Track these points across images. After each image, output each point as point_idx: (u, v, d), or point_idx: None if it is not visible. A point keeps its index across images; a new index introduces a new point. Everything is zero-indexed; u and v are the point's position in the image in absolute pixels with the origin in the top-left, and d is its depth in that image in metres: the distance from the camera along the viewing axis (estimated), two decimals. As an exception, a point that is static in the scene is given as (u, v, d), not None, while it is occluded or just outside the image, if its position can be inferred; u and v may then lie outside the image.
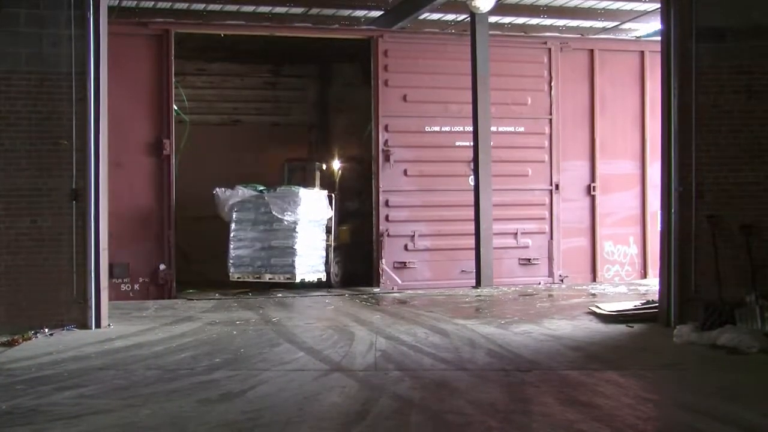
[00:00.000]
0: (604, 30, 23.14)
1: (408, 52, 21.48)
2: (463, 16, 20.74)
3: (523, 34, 22.63)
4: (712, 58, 14.90)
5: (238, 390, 10.65)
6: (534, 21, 22.32)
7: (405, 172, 21.11)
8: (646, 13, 21.01)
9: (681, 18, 15.15)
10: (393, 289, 20.78)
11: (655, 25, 20.44)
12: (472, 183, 20.81)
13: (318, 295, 19.70)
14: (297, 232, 19.69)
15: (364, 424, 9.15)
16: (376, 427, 9.09)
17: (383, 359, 12.43)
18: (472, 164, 20.69)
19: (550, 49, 22.29)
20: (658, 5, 16.41)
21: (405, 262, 21.18)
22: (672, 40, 15.30)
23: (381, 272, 20.87)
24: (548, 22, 22.36)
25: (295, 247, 19.66)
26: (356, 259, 21.78)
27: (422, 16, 21.23)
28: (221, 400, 10.18)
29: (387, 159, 20.90)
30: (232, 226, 19.77)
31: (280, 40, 21.71)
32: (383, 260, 20.86)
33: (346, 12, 21.17)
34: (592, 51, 22.59)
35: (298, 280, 19.86)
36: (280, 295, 19.69)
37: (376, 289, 20.67)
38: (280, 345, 13.73)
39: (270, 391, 10.64)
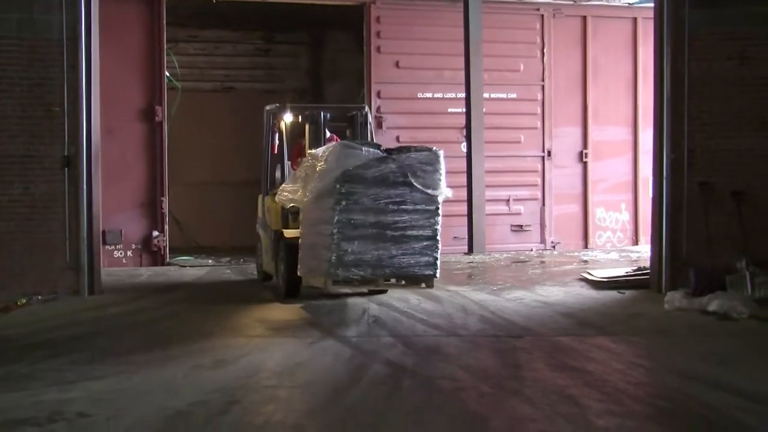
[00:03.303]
0: (597, -4, 23.15)
1: (401, 18, 21.46)
2: (456, -17, 20.78)
3: (515, 0, 22.62)
4: (705, 25, 14.90)
5: (232, 357, 10.67)
6: (527, -13, 22.34)
7: (397, 139, 21.01)
8: (639, -21, 21.03)
9: (674, -16, 15.18)
10: (386, 255, 20.64)
11: (648, -9, 20.51)
12: (465, 149, 20.81)
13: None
14: (440, 215, 13.01)
15: (358, 389, 9.17)
16: (370, 391, 9.12)
17: (376, 325, 12.47)
18: (464, 131, 20.69)
19: (542, 16, 22.32)
20: (651, -29, 16.41)
21: (398, 229, 21.12)
22: (665, 7, 15.29)
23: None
24: (541, -12, 22.37)
25: (438, 237, 13.01)
26: None
27: (415, -17, 21.25)
28: (215, 366, 10.19)
29: (379, 125, 20.87)
30: (340, 204, 12.38)
31: (272, 7, 21.64)
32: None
33: (340, -22, 21.18)
34: (584, 18, 22.60)
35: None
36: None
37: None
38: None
39: (263, 357, 10.68)
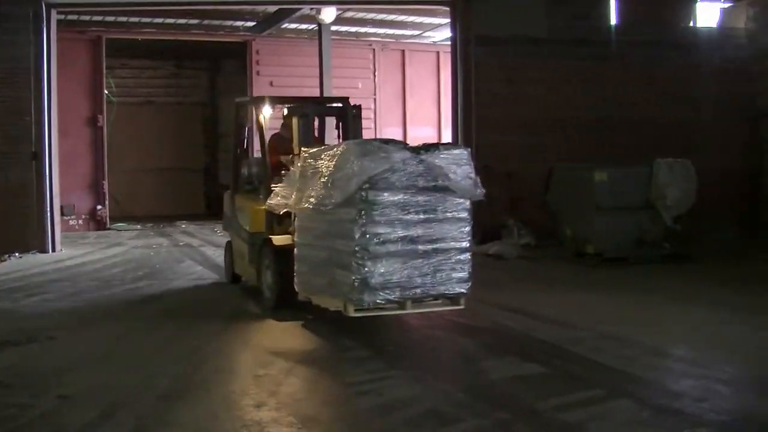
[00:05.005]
0: (412, 36, 23.33)
1: (273, 50, 21.42)
2: (313, 26, 20.69)
3: (355, 38, 22.69)
4: (485, 57, 15.36)
5: (157, 294, 10.78)
6: (363, 29, 22.38)
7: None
8: (440, 25, 21.23)
9: (463, 29, 15.61)
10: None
11: (447, 33, 20.70)
12: (322, 144, 20.83)
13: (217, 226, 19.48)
14: (470, 223, 8.11)
15: (253, 313, 9.37)
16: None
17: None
18: (320, 131, 20.79)
19: (374, 49, 22.53)
20: (449, 20, 16.77)
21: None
22: (458, 44, 15.75)
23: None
24: (373, 30, 22.44)
25: (471, 249, 8.14)
26: None
27: (284, 26, 21.05)
28: (144, 301, 10.29)
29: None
30: (363, 215, 7.44)
31: (181, 43, 21.46)
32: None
33: (229, 22, 20.91)
34: (403, 51, 22.89)
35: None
36: (183, 225, 19.55)
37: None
38: (184, 262, 13.80)
39: (178, 294, 10.83)
